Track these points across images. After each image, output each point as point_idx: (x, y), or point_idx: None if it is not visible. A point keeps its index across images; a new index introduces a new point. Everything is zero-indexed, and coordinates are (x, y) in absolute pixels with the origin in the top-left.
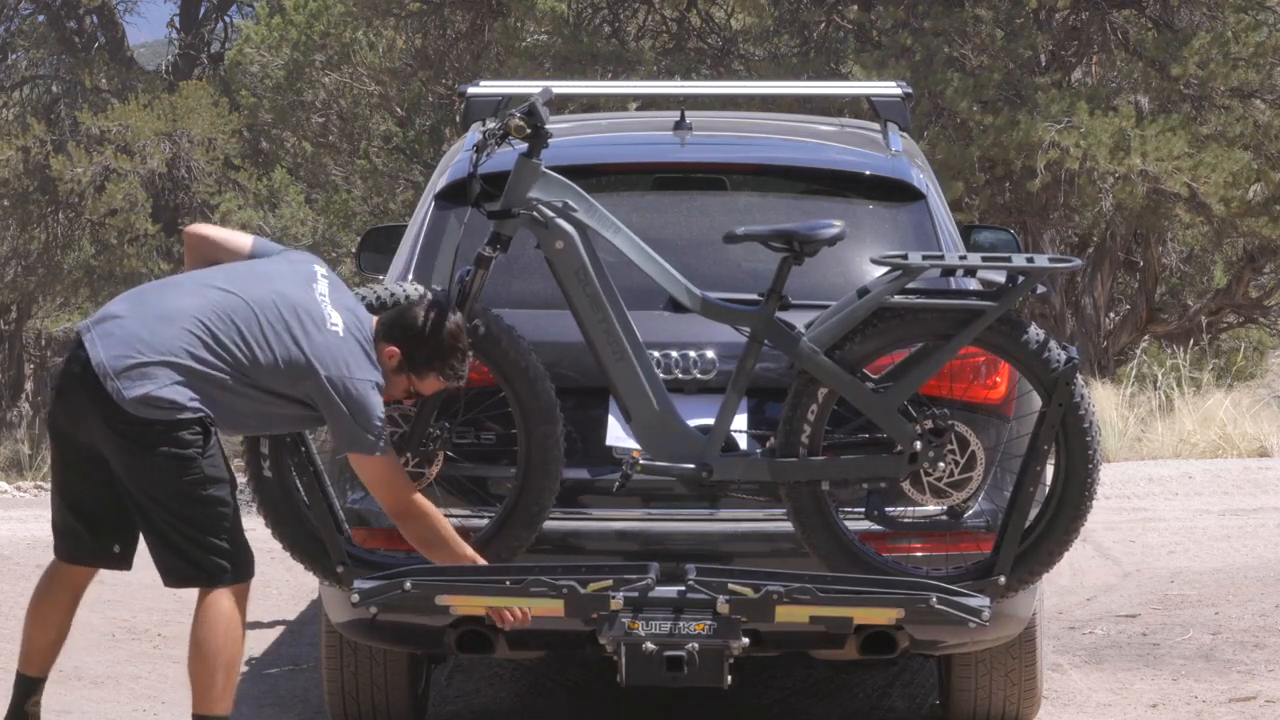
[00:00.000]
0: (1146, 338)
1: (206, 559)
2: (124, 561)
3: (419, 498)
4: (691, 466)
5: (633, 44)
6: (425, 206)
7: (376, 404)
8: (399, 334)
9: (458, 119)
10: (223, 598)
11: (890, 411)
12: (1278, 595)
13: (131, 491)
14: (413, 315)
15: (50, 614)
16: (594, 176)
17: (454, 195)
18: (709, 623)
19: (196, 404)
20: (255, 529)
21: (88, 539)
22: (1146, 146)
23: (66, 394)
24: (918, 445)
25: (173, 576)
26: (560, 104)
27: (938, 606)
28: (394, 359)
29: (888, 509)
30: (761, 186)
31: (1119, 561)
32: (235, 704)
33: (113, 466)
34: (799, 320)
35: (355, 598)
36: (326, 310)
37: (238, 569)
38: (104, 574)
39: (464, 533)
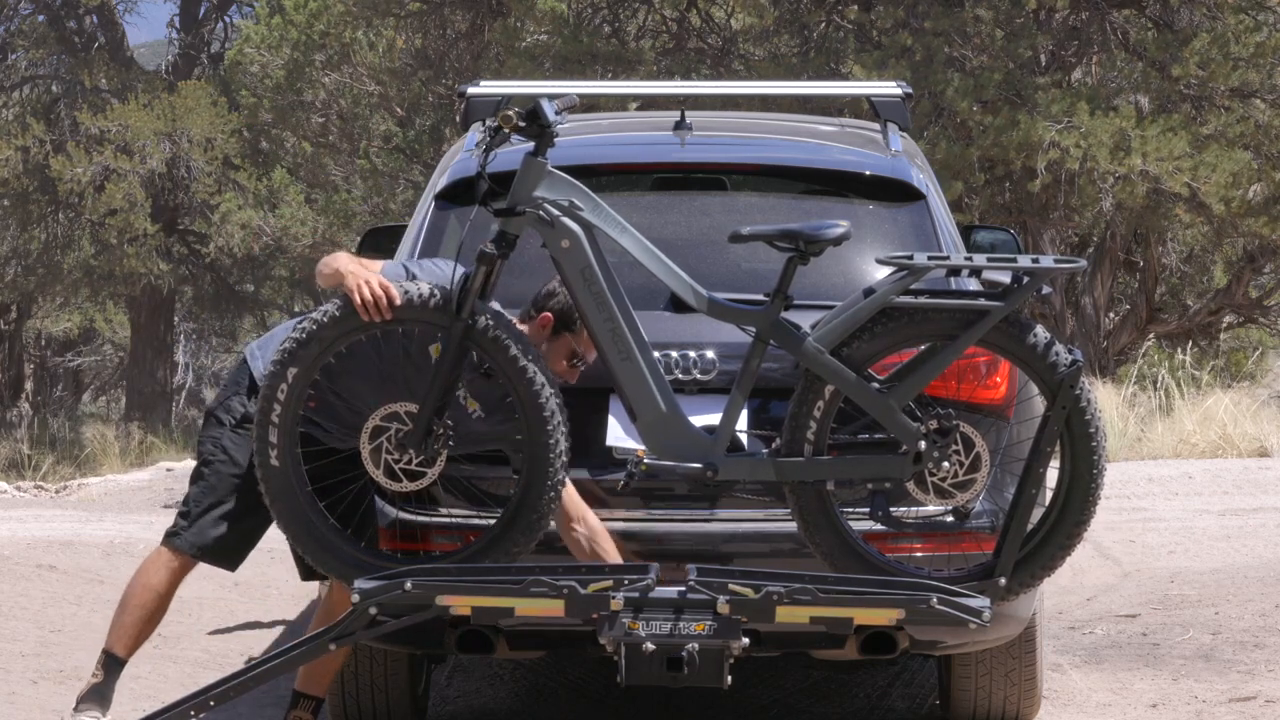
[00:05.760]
0: (1149, 338)
1: (177, 515)
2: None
3: None
4: (697, 466)
5: (633, 44)
6: (425, 206)
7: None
8: (545, 303)
9: (458, 119)
10: (160, 553)
11: (895, 412)
12: (1278, 595)
13: None
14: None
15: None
16: (594, 176)
17: (454, 195)
18: (709, 623)
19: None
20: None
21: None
22: (1147, 146)
23: None
24: (922, 445)
25: None
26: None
27: (938, 607)
28: (547, 324)
29: (891, 509)
30: (761, 186)
31: (1119, 561)
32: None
33: None
34: (799, 320)
35: (355, 597)
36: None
37: (186, 537)
38: (104, 574)
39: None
